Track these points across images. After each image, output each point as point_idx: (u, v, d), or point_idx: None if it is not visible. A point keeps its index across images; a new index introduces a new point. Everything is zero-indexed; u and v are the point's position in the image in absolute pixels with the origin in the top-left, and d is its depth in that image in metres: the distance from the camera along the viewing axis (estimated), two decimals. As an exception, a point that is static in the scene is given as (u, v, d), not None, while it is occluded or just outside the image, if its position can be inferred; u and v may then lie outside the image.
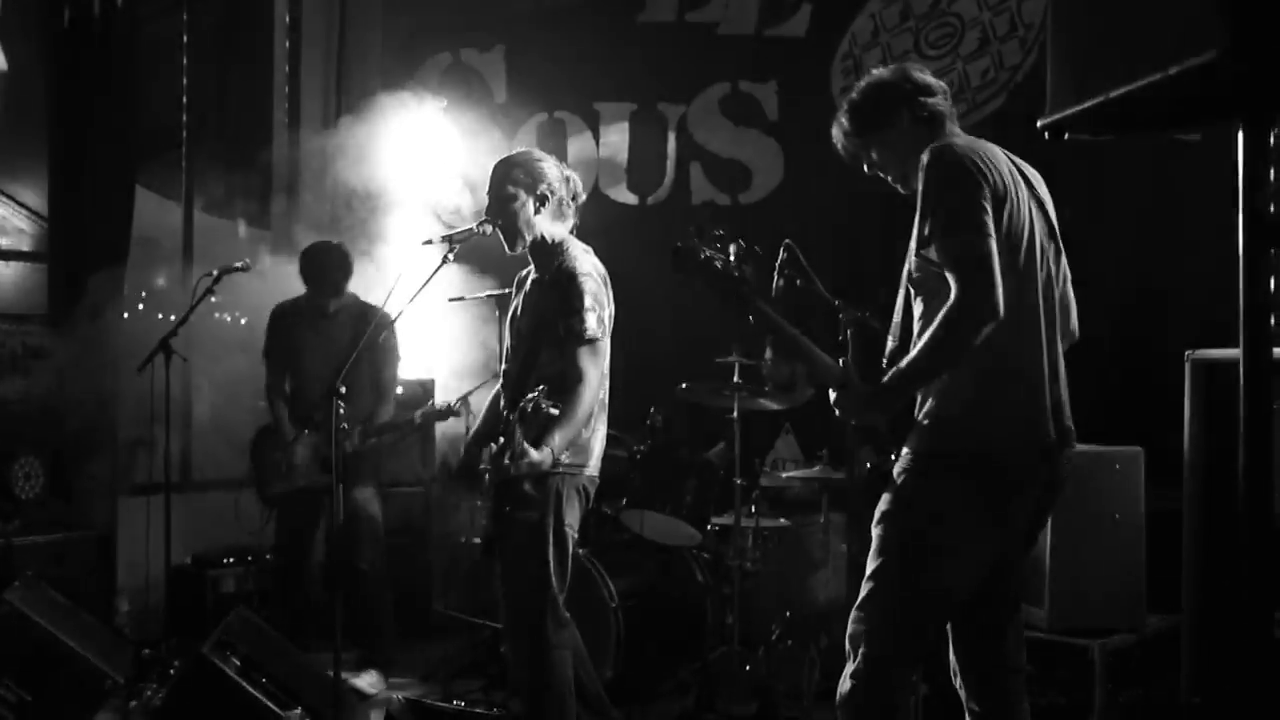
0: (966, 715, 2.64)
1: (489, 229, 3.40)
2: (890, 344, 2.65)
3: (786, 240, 3.29)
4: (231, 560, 5.45)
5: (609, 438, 3.51)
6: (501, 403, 3.48)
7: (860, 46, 5.73)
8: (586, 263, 3.37)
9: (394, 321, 4.01)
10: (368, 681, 4.71)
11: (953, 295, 2.31)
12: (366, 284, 5.26)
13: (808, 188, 5.83)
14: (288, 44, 6.83)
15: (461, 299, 4.95)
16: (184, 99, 6.23)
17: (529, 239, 3.41)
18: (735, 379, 4.63)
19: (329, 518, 4.87)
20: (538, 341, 3.37)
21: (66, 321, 5.23)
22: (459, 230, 3.47)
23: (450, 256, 3.42)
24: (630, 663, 4.27)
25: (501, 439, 3.11)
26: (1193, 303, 4.58)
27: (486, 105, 6.75)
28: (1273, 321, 1.42)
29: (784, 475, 5.13)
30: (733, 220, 5.74)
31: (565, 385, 3.20)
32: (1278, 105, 1.42)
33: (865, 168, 2.74)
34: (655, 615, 4.48)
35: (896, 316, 2.65)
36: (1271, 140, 1.43)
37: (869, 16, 5.72)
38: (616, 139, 6.40)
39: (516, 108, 6.71)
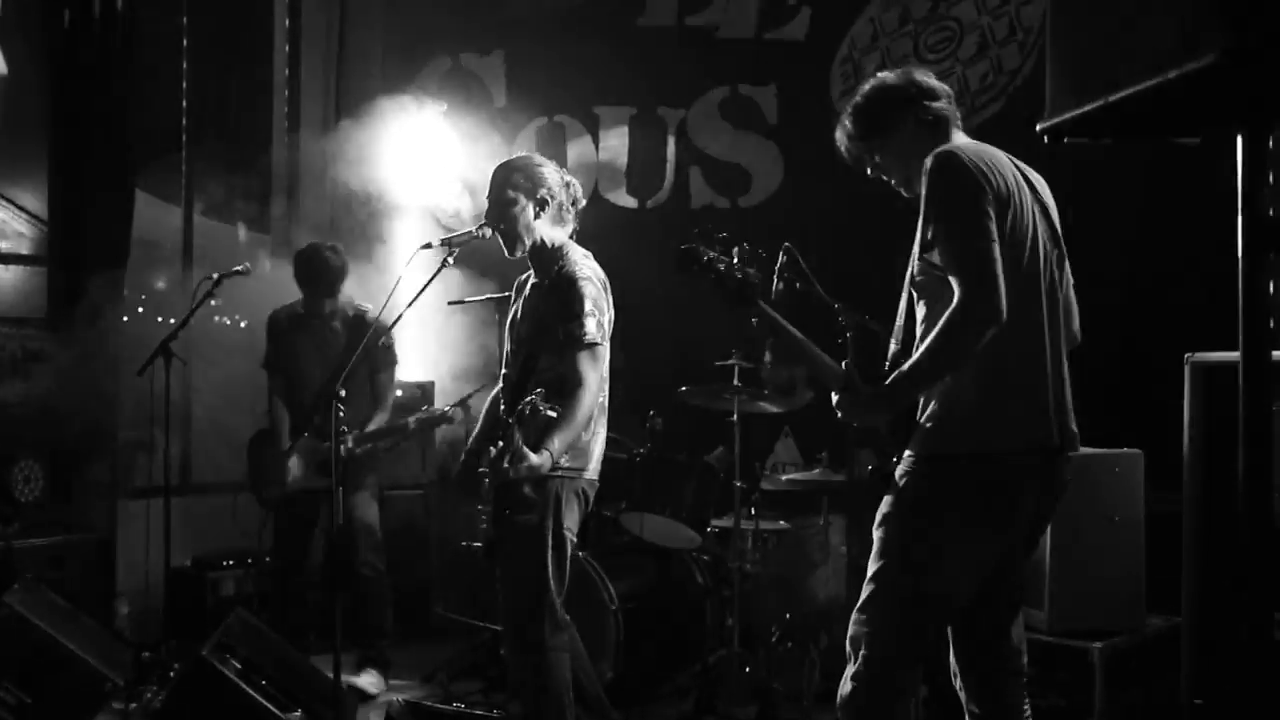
0: (967, 717, 2.64)
1: (488, 233, 3.41)
2: (893, 347, 2.65)
3: (786, 244, 3.30)
4: (231, 563, 5.45)
5: (608, 440, 3.51)
6: (501, 406, 3.48)
7: (859, 50, 5.74)
8: (586, 267, 3.37)
9: (391, 327, 4.02)
10: (368, 680, 4.71)
11: (956, 299, 2.32)
12: (366, 287, 5.27)
13: (807, 191, 5.84)
14: (287, 47, 6.84)
15: (461, 302, 4.96)
16: (184, 102, 6.24)
17: (529, 243, 3.41)
18: (735, 382, 4.63)
19: (327, 520, 4.88)
20: (537, 346, 3.37)
21: (66, 325, 5.23)
22: (458, 234, 3.47)
23: (450, 260, 3.43)
24: (630, 665, 4.27)
25: (500, 442, 3.11)
26: (1192, 305, 4.58)
27: (486, 109, 6.76)
28: (1272, 324, 1.43)
29: (784, 478, 5.13)
30: (732, 224, 5.73)
31: (565, 389, 3.21)
32: (1277, 109, 1.43)
33: (868, 171, 2.74)
34: (655, 617, 4.48)
35: (899, 320, 2.66)
36: (1270, 144, 1.43)
37: (868, 20, 5.73)
38: (616, 143, 6.41)
39: (516, 111, 6.72)
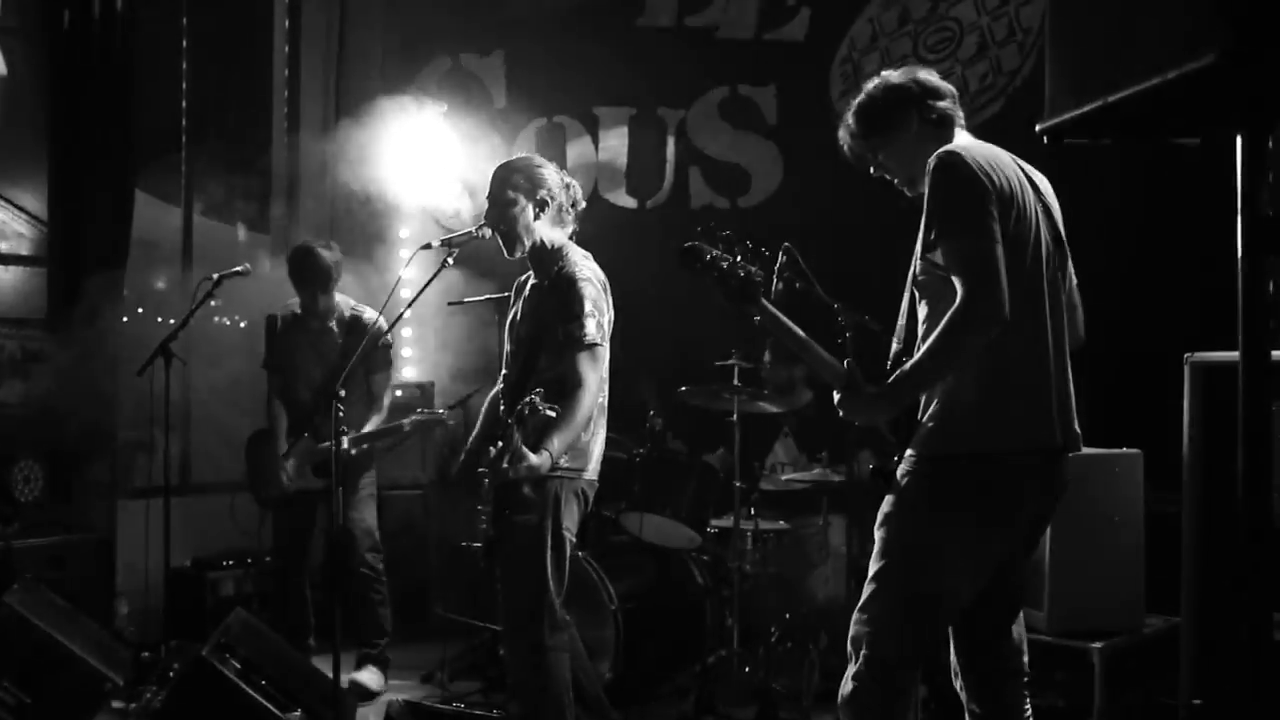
0: (967, 716, 2.64)
1: (488, 233, 3.41)
2: (894, 346, 2.66)
3: (786, 244, 3.30)
4: (231, 563, 5.45)
5: (608, 440, 3.51)
6: (500, 407, 3.48)
7: (859, 51, 5.75)
8: (586, 268, 3.38)
9: (391, 328, 4.02)
10: (369, 676, 4.72)
11: (958, 299, 2.32)
12: (366, 287, 5.27)
13: (807, 191, 5.84)
14: (287, 48, 6.84)
15: (461, 303, 4.96)
16: (183, 103, 6.24)
17: (528, 244, 3.42)
18: (734, 382, 4.64)
19: (325, 521, 4.89)
20: (537, 346, 3.38)
21: (66, 325, 5.23)
22: (458, 234, 3.47)
23: (450, 260, 3.43)
24: (630, 665, 4.27)
25: (500, 442, 3.11)
26: (1192, 304, 4.59)
27: (486, 110, 6.76)
28: (1272, 324, 1.43)
29: (783, 478, 5.14)
30: (732, 224, 5.72)
31: (565, 390, 3.21)
32: (1275, 109, 1.43)
33: (871, 170, 2.74)
34: (655, 617, 4.48)
35: (901, 319, 2.66)
36: (1270, 144, 1.43)
37: (867, 21, 5.74)
38: (616, 143, 6.42)
39: (516, 112, 6.72)
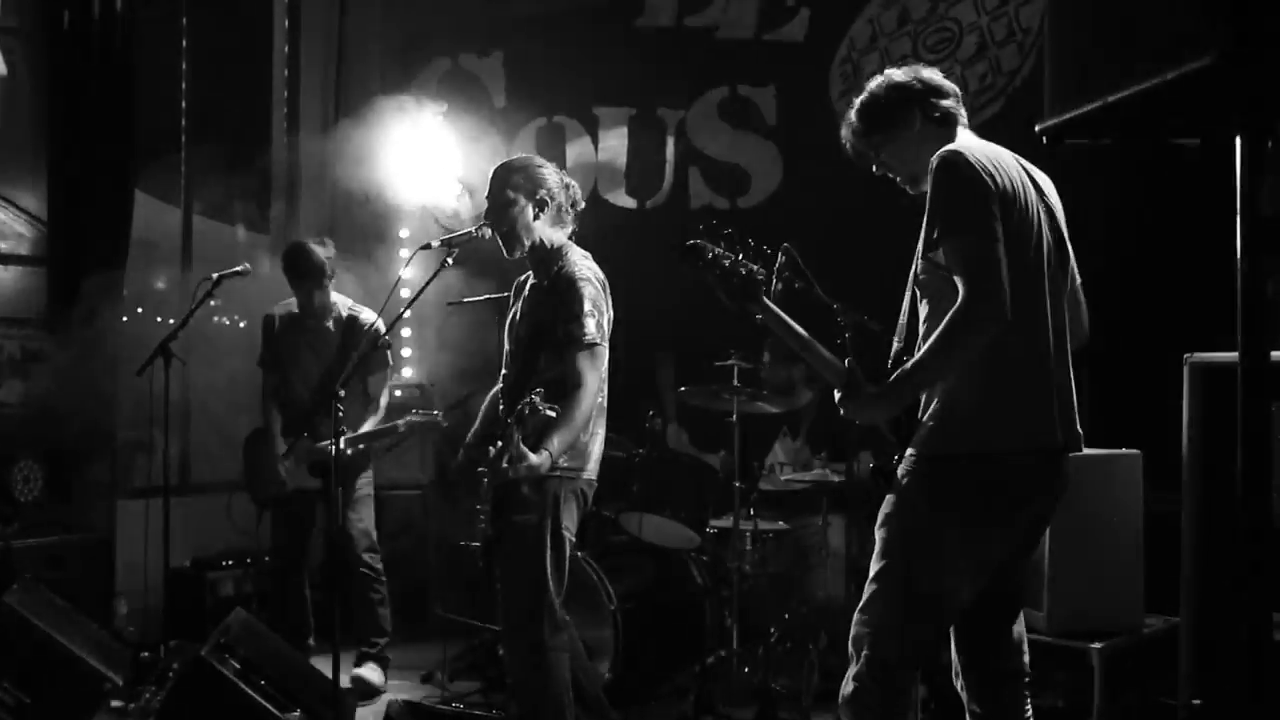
0: (967, 716, 2.64)
1: (488, 233, 3.41)
2: (895, 345, 2.66)
3: (785, 244, 3.30)
4: (230, 563, 5.45)
5: (608, 440, 3.51)
6: (500, 406, 3.48)
7: (858, 51, 5.75)
8: (585, 268, 3.38)
9: (390, 328, 4.02)
10: (371, 671, 4.73)
11: (960, 298, 2.32)
12: (366, 287, 5.27)
13: (806, 191, 5.84)
14: (287, 48, 6.84)
15: (461, 303, 4.96)
16: (183, 103, 6.24)
17: (528, 244, 3.42)
18: (734, 382, 4.64)
19: (323, 521, 4.89)
20: (537, 346, 3.38)
21: (65, 325, 5.23)
22: (458, 234, 3.47)
23: (449, 260, 3.43)
24: (629, 665, 4.27)
25: (500, 442, 3.11)
26: (1191, 305, 4.59)
27: (485, 110, 6.77)
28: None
29: (782, 478, 5.14)
30: (731, 224, 5.73)
31: (564, 390, 3.21)
32: (1274, 110, 1.43)
33: (873, 168, 2.74)
34: (654, 617, 4.48)
35: (902, 318, 2.66)
36: (1270, 144, 1.43)
37: (867, 21, 5.74)
38: (615, 143, 6.42)
39: (515, 112, 6.73)
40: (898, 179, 2.72)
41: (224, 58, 6.60)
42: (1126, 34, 1.49)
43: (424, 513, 5.79)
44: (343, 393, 3.49)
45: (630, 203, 6.41)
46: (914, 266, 2.57)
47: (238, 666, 3.55)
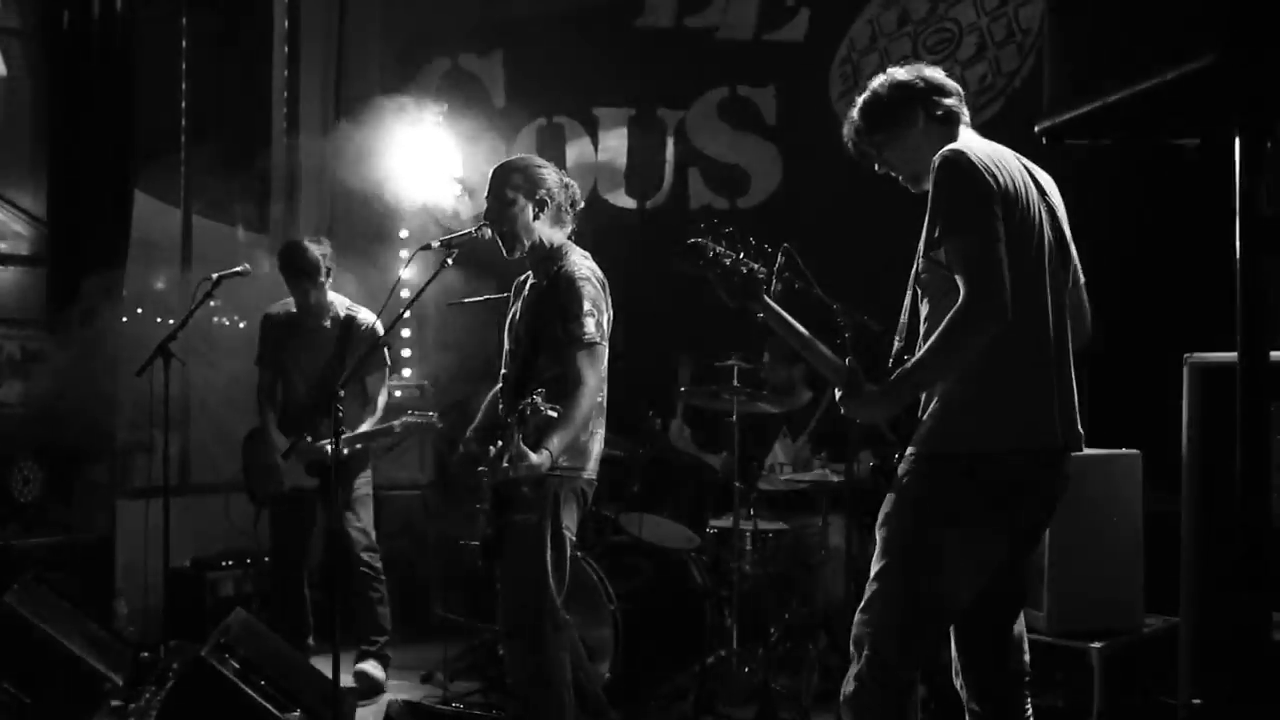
0: (967, 716, 2.64)
1: (488, 233, 3.41)
2: (896, 344, 2.66)
3: (785, 244, 3.30)
4: (230, 563, 5.45)
5: (606, 441, 3.51)
6: (500, 405, 3.49)
7: (858, 51, 5.75)
8: (585, 268, 3.38)
9: (390, 329, 4.02)
10: (372, 666, 4.73)
11: (961, 297, 2.32)
12: (366, 287, 5.27)
13: (806, 192, 5.84)
14: (286, 48, 6.84)
15: (461, 303, 4.97)
16: (183, 103, 6.24)
17: (527, 244, 3.42)
18: (734, 382, 4.64)
19: (322, 520, 4.90)
20: (536, 346, 3.38)
21: (65, 325, 5.23)
22: (458, 235, 3.47)
23: (449, 261, 3.43)
24: (629, 665, 4.27)
25: (500, 442, 3.11)
26: (1191, 305, 4.59)
27: (485, 110, 6.77)
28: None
29: (782, 478, 5.14)
30: (731, 225, 5.74)
31: (564, 389, 3.21)
32: (1273, 110, 1.43)
33: (876, 167, 2.74)
34: (654, 617, 4.48)
35: (903, 317, 2.66)
36: (1269, 144, 1.43)
37: (867, 21, 5.74)
38: (615, 144, 6.42)
39: (515, 113, 6.73)
40: (900, 178, 2.72)
41: (224, 58, 6.60)
42: (1126, 34, 1.49)
43: (424, 512, 5.79)
44: (343, 393, 3.49)
45: (630, 203, 6.41)
46: (915, 266, 2.57)
47: (238, 666, 3.56)
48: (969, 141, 2.55)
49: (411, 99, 6.07)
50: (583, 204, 3.55)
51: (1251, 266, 1.42)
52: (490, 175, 3.47)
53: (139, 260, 5.71)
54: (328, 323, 4.88)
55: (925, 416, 2.49)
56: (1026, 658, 2.66)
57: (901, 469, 2.50)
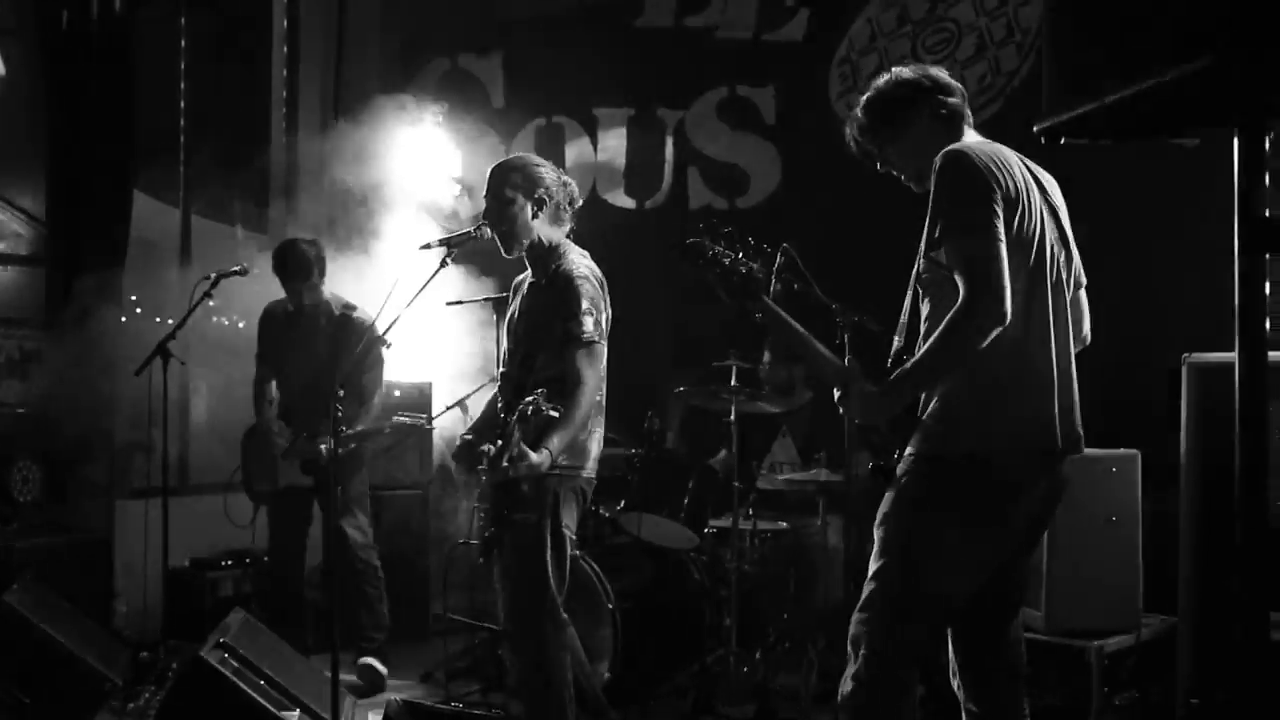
0: (964, 716, 2.64)
1: (487, 233, 3.41)
2: (896, 343, 2.66)
3: (784, 244, 3.31)
4: (229, 563, 5.45)
5: (606, 440, 3.52)
6: (499, 405, 3.49)
7: (857, 51, 5.75)
8: (583, 266, 3.38)
9: (389, 329, 4.02)
10: (374, 661, 4.74)
11: (960, 298, 2.32)
12: (364, 287, 5.26)
13: (805, 192, 5.84)
14: (286, 49, 6.84)
15: (460, 302, 4.97)
16: (182, 103, 6.24)
17: (526, 243, 3.42)
18: (732, 382, 4.64)
19: (321, 518, 4.90)
20: (535, 345, 3.38)
21: (63, 325, 5.22)
22: (457, 234, 3.47)
23: (448, 260, 3.43)
24: (628, 665, 4.27)
25: (500, 441, 3.11)
26: (1189, 305, 4.59)
27: (484, 110, 6.77)
28: (1269, 325, 1.43)
29: (780, 478, 5.14)
30: (730, 224, 5.74)
31: (563, 388, 3.21)
32: (1272, 110, 1.43)
33: (878, 165, 2.74)
34: (653, 617, 4.48)
35: (903, 317, 2.66)
36: (1268, 145, 1.43)
37: (866, 21, 5.74)
38: (614, 144, 6.42)
39: (514, 112, 6.73)
40: (902, 176, 2.72)
41: (223, 58, 6.60)
42: (1125, 34, 1.49)
43: (424, 512, 5.79)
44: (342, 392, 3.49)
45: (629, 203, 6.41)
46: (916, 265, 2.57)
47: (237, 666, 3.55)
48: (971, 142, 2.55)
49: (411, 99, 6.07)
50: (581, 203, 3.55)
51: (1250, 266, 1.42)
52: (489, 174, 3.47)
53: (138, 260, 5.70)
54: (323, 321, 4.88)
55: (925, 417, 2.49)
56: (1023, 658, 2.66)
57: (901, 469, 2.50)
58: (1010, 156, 2.51)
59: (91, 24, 5.43)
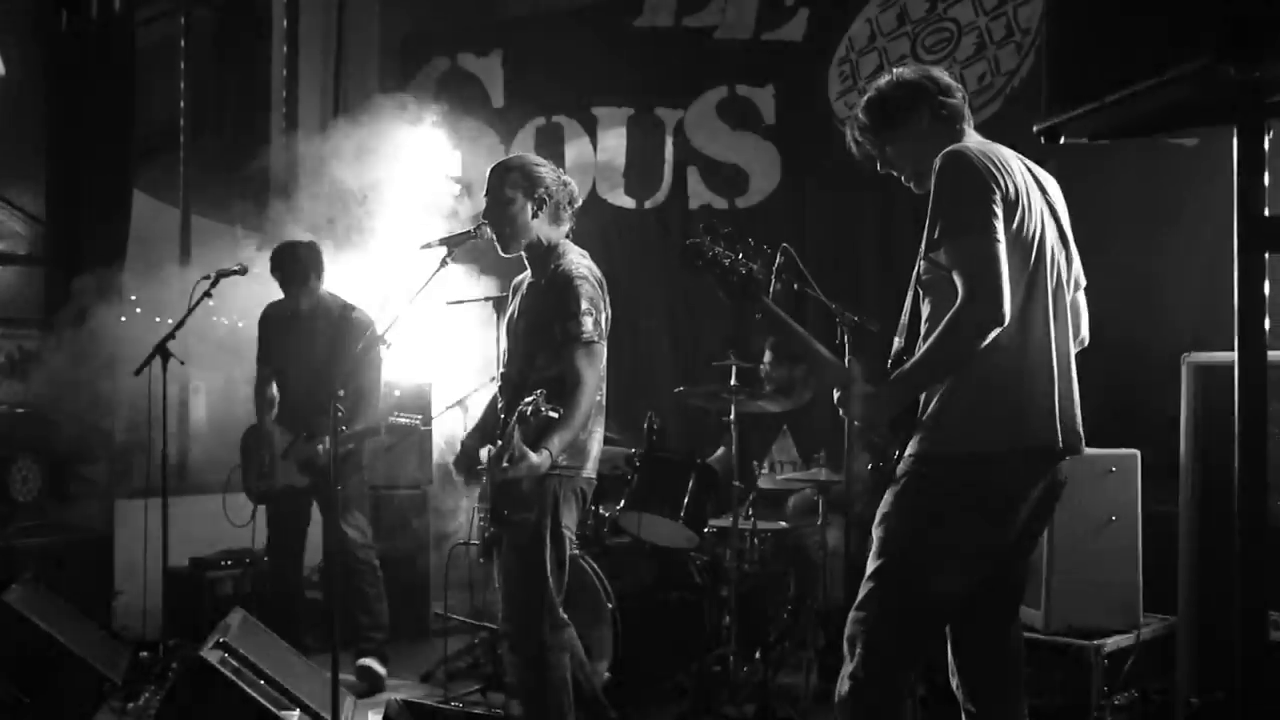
0: (963, 716, 2.64)
1: (487, 232, 3.41)
2: (896, 344, 2.66)
3: (784, 244, 3.31)
4: (229, 563, 5.46)
5: (606, 439, 3.52)
6: (499, 405, 3.49)
7: (857, 51, 5.75)
8: (583, 266, 3.38)
9: (389, 329, 4.02)
10: (373, 661, 4.74)
11: (959, 298, 2.32)
12: (364, 287, 5.27)
13: (805, 191, 5.84)
14: (285, 48, 6.84)
15: (460, 302, 4.96)
16: (181, 103, 6.24)
17: (525, 243, 3.42)
18: (732, 382, 4.64)
19: (319, 518, 4.90)
20: (535, 345, 3.38)
21: (63, 325, 5.23)
22: (456, 234, 3.47)
23: (448, 260, 3.43)
24: (628, 664, 4.27)
25: (500, 441, 3.11)
26: (1189, 305, 4.59)
27: (484, 110, 6.77)
28: (1268, 324, 1.43)
29: (780, 477, 5.14)
30: (730, 224, 5.73)
31: (563, 388, 3.21)
32: (1271, 110, 1.43)
33: (879, 166, 2.75)
34: (653, 617, 4.48)
35: (904, 318, 2.66)
36: (1267, 144, 1.43)
37: (865, 21, 5.74)
38: (614, 143, 6.42)
39: (514, 112, 6.73)
40: (903, 177, 2.72)
41: (223, 58, 6.60)
42: (1124, 34, 1.49)
43: (423, 512, 5.79)
44: (342, 392, 3.49)
45: (629, 202, 6.41)
46: (917, 266, 2.57)
47: (236, 665, 3.56)
48: (972, 142, 2.55)
49: (410, 98, 6.07)
50: (580, 203, 3.55)
51: (1249, 265, 1.42)
52: (488, 174, 3.47)
53: (137, 259, 5.71)
54: (323, 321, 4.89)
55: (924, 417, 2.49)
56: (1022, 658, 2.66)
57: (900, 469, 2.50)
58: (1010, 157, 2.51)
59: (91, 24, 5.44)
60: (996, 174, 2.41)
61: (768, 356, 5.14)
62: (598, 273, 3.42)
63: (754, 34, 6.07)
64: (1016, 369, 2.44)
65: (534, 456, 3.06)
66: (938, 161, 2.44)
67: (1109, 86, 1.48)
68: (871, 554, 2.52)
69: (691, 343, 6.11)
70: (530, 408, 3.01)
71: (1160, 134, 1.70)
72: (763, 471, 5.21)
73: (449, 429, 5.50)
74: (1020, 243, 2.42)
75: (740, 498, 4.68)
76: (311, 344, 4.84)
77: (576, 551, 4.10)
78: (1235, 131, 1.44)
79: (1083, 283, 2.68)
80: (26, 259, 5.46)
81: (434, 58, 7.01)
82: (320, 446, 4.59)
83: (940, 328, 2.35)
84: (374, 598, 4.84)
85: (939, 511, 2.45)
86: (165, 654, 4.61)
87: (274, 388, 4.99)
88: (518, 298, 3.56)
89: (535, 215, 3.40)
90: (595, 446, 3.41)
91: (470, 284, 5.28)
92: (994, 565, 2.52)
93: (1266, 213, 1.42)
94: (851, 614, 2.52)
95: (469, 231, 3.44)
